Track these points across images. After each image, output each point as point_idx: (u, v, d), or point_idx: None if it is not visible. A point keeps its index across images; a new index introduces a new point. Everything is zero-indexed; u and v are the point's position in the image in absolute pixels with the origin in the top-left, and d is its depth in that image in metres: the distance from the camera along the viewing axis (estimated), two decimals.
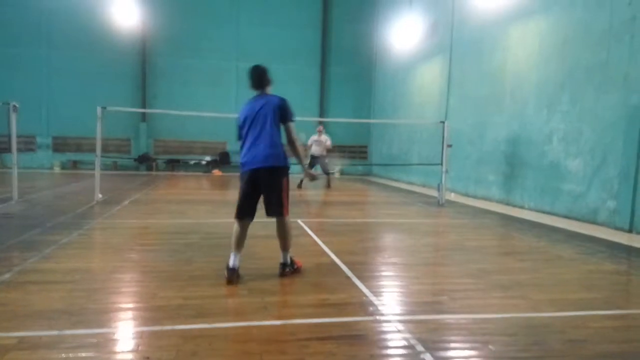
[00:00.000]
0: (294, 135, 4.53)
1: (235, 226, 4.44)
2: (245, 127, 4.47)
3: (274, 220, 4.50)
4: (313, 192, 13.56)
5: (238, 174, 4.79)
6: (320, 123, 14.65)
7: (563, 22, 9.29)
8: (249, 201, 4.45)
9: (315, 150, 13.69)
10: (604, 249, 6.29)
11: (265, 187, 4.41)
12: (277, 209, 4.43)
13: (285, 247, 4.57)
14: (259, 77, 4.61)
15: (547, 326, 3.42)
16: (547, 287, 4.48)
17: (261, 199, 4.49)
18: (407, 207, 10.66)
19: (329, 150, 14.07)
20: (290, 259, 4.63)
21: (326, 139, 13.97)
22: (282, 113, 4.46)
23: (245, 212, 4.44)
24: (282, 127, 4.52)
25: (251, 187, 4.43)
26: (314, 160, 13.58)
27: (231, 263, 4.29)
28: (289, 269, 4.57)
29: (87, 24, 18.90)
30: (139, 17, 18.92)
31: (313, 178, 5.03)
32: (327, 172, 14.08)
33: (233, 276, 4.24)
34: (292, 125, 4.53)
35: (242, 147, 4.55)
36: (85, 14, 18.84)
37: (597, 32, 8.38)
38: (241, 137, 4.58)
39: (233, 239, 4.39)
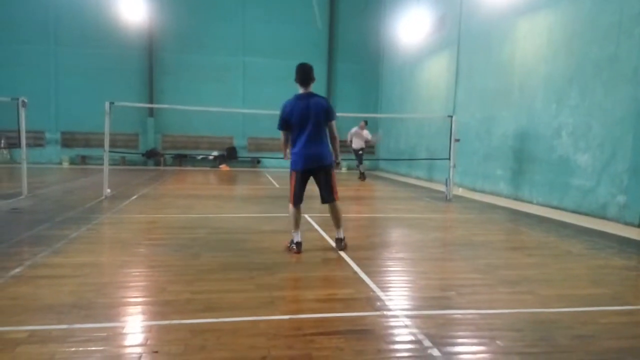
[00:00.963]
0: (335, 133, 5.26)
1: (293, 211, 5.29)
2: (297, 125, 5.08)
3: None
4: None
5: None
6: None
7: (572, 16, 9.19)
8: (303, 191, 5.33)
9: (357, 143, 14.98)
10: (614, 244, 6.25)
11: (320, 181, 5.28)
12: (331, 196, 5.32)
13: (339, 225, 5.42)
14: (306, 74, 5.15)
15: (555, 322, 3.41)
16: (555, 282, 4.46)
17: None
18: (414, 202, 10.63)
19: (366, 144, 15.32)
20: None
21: (367, 133, 15.18)
22: (329, 113, 5.16)
23: (300, 200, 5.31)
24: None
25: (306, 181, 5.29)
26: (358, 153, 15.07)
27: (298, 238, 5.26)
28: (344, 243, 5.41)
29: (95, 21, 18.98)
30: (146, 13, 18.97)
31: (339, 167, 5.73)
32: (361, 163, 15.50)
33: (300, 248, 5.23)
34: (334, 123, 5.22)
35: (294, 142, 5.19)
36: (93, 10, 18.92)
37: (606, 25, 8.29)
38: (285, 128, 5.22)
39: (293, 221, 5.27)
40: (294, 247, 5.24)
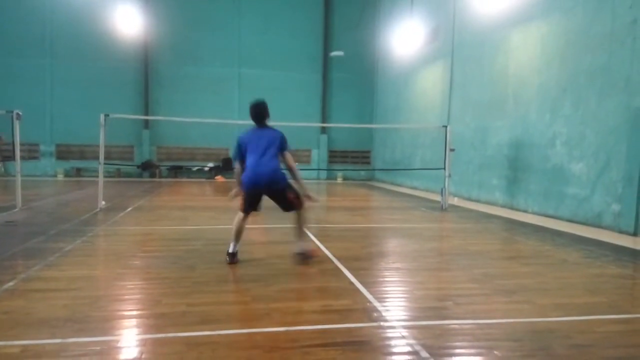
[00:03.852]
0: (291, 163, 5.29)
1: (239, 217, 5.27)
2: (248, 152, 5.19)
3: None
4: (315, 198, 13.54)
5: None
6: None
7: (564, 27, 9.29)
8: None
9: None
10: (609, 252, 6.26)
11: (272, 198, 5.29)
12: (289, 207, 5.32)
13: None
14: (260, 113, 5.38)
15: (552, 331, 3.40)
16: (552, 291, 4.45)
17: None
18: (410, 211, 10.63)
19: None
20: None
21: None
22: (282, 143, 5.26)
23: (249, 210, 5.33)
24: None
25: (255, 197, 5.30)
26: None
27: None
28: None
29: (90, 34, 19.07)
30: (142, 25, 19.06)
31: (311, 200, 5.48)
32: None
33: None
34: (288, 154, 5.28)
35: (247, 165, 5.21)
36: (89, 23, 19.00)
37: (598, 35, 8.38)
38: (239, 158, 5.30)
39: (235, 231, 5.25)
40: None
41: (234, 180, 5.45)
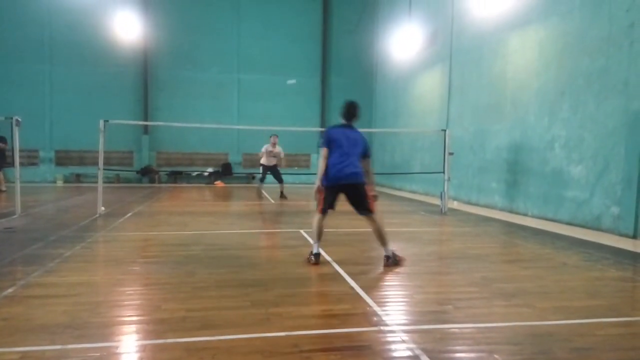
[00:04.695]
0: (370, 167, 5.66)
1: (318, 218, 5.51)
2: (334, 147, 5.43)
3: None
4: (315, 202, 13.53)
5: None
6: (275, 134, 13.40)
7: (561, 30, 9.32)
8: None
9: (268, 161, 13.23)
10: (609, 255, 6.26)
11: (353, 196, 5.46)
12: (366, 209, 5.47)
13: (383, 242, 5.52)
14: (353, 112, 5.71)
15: (552, 334, 3.40)
16: (551, 294, 4.45)
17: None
18: (409, 215, 10.63)
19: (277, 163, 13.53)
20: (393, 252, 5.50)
21: (280, 151, 13.31)
22: (366, 148, 5.63)
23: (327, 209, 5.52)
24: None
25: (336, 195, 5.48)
26: (266, 170, 13.26)
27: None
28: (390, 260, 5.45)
29: (90, 39, 19.08)
30: (141, 30, 19.09)
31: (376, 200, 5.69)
32: (281, 182, 13.66)
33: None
34: (369, 159, 5.65)
35: (330, 161, 5.43)
36: (88, 29, 19.02)
37: (595, 39, 8.41)
38: (326, 147, 5.48)
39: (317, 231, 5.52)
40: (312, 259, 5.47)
41: (319, 172, 5.47)
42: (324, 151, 5.46)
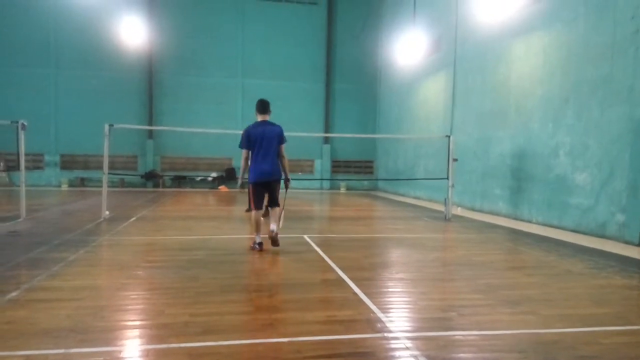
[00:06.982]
0: (283, 153, 6.55)
1: (255, 214, 6.48)
2: (255, 145, 6.30)
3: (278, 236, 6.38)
4: (318, 208, 13.54)
5: (243, 190, 7.25)
6: None
7: (566, 37, 9.32)
8: (262, 198, 6.62)
9: None
10: (614, 263, 6.23)
11: (270, 191, 6.50)
12: (277, 202, 6.57)
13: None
14: (267, 106, 6.59)
15: (557, 342, 3.38)
16: (556, 302, 4.43)
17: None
18: (413, 221, 10.61)
19: None
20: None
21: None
22: (281, 138, 6.47)
23: (260, 205, 6.57)
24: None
25: (262, 190, 6.49)
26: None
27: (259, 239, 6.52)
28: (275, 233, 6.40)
29: (95, 44, 19.20)
30: (146, 35, 19.18)
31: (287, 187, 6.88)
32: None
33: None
34: (284, 146, 6.52)
35: (252, 160, 6.39)
36: (93, 33, 19.15)
37: (600, 46, 8.40)
38: (247, 148, 6.41)
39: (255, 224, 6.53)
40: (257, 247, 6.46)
41: (241, 171, 6.76)
42: (244, 152, 6.43)
